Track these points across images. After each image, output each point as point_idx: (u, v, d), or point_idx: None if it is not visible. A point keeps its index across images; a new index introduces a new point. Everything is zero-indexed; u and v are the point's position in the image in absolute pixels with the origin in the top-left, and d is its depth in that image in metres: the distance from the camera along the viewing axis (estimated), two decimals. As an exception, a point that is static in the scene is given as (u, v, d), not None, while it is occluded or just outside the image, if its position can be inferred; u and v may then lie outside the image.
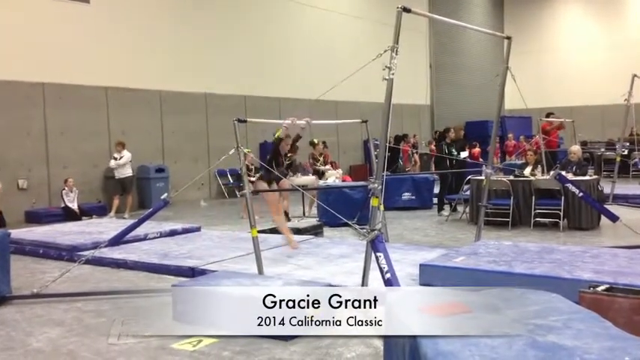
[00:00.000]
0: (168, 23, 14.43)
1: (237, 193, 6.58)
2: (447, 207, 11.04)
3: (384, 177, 4.99)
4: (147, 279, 6.43)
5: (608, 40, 24.67)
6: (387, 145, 4.90)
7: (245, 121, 6.41)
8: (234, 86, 15.65)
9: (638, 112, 13.22)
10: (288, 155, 10.83)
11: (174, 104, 14.59)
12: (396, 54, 4.79)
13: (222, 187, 15.50)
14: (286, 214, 10.64)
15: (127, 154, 12.29)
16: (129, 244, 7.76)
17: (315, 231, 8.78)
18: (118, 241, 7.18)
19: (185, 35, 14.72)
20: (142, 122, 13.94)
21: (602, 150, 17.84)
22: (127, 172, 12.37)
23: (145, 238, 8.21)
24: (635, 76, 11.53)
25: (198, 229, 9.14)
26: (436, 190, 12.25)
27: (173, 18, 14.53)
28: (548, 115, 14.39)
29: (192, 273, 6.34)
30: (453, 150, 11.30)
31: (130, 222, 7.58)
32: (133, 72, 13.67)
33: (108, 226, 9.21)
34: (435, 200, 11.99)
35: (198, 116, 15.14)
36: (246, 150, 11.26)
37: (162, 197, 6.36)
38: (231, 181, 15.50)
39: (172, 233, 8.70)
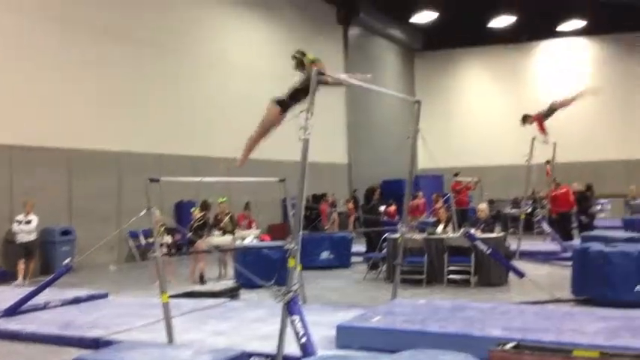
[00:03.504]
0: (79, 78, 13.90)
1: (149, 255, 6.41)
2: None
3: (301, 236, 4.97)
4: (44, 352, 5.93)
5: (512, 104, 26.37)
6: (305, 204, 4.91)
7: (157, 181, 6.22)
8: (149, 145, 15.25)
9: (541, 171, 14.16)
10: (202, 215, 10.65)
11: (85, 163, 13.93)
12: (311, 115, 4.88)
13: (134, 249, 14.81)
14: (201, 277, 10.32)
15: (35, 219, 11.56)
16: (27, 313, 7.18)
17: (231, 294, 8.54)
18: (14, 311, 6.69)
19: (97, 91, 14.26)
20: (48, 183, 13.14)
21: (509, 208, 18.78)
22: (32, 235, 11.60)
23: (45, 307, 7.62)
24: (534, 139, 12.42)
25: (105, 296, 8.61)
26: (360, 248, 12.42)
27: (85, 73, 14.03)
28: (456, 175, 15.18)
29: (97, 344, 5.92)
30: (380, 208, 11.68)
31: (29, 289, 7.06)
32: (40, 129, 12.97)
33: (5, 295, 8.49)
34: (354, 259, 12.13)
35: (110, 175, 14.53)
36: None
37: (64, 262, 5.99)
38: (143, 243, 14.83)
39: (76, 300, 8.12)
